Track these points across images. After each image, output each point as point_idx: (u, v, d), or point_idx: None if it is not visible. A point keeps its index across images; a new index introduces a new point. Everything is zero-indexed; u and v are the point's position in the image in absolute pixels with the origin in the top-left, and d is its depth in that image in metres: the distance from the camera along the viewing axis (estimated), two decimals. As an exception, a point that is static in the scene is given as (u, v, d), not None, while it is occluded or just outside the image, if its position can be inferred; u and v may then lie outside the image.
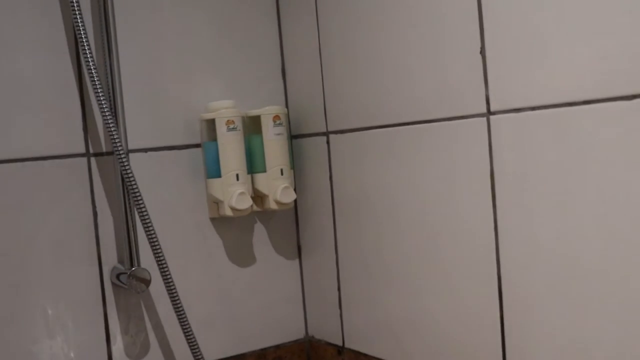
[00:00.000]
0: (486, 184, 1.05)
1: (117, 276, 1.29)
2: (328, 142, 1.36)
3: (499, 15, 1.01)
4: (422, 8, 1.13)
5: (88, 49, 1.20)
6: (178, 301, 1.26)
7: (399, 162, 1.20)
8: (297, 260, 1.49)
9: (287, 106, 1.47)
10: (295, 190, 1.41)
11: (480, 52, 1.04)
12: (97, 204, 1.29)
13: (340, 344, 1.40)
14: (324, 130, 1.36)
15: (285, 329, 1.49)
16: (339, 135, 1.33)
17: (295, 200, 1.43)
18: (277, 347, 1.47)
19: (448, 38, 1.09)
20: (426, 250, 1.17)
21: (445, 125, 1.11)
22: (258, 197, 1.39)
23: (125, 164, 1.21)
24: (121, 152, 1.21)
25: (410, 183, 1.18)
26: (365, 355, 1.33)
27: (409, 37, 1.16)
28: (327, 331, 1.44)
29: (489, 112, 1.04)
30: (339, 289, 1.38)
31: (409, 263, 1.20)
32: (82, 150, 1.28)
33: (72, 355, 1.27)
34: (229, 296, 1.42)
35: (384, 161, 1.23)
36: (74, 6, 1.20)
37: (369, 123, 1.26)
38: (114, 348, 1.30)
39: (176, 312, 1.27)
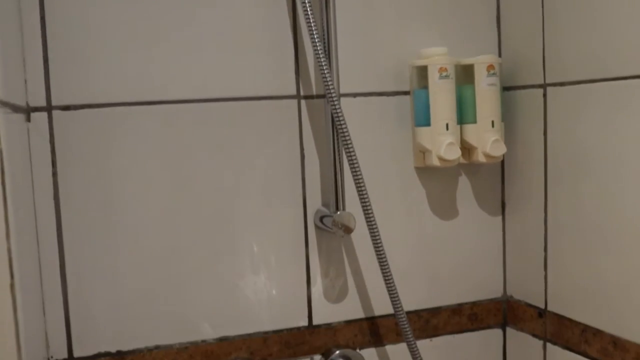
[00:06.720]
0: None
1: (321, 219, 1.29)
2: (545, 95, 1.28)
3: None
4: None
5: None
6: (381, 248, 1.25)
7: (628, 119, 1.11)
8: (500, 217, 1.44)
9: (500, 56, 1.41)
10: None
11: None
12: (304, 147, 1.30)
13: (542, 306, 1.34)
14: (541, 82, 1.29)
15: (483, 287, 1.45)
16: (558, 88, 1.25)
17: (503, 155, 1.36)
18: (474, 303, 1.44)
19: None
20: (653, 214, 1.08)
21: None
22: (465, 148, 1.35)
23: (337, 107, 1.20)
24: (333, 95, 1.20)
25: (640, 141, 1.09)
26: (570, 320, 1.27)
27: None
28: (527, 292, 1.38)
29: None
30: (545, 250, 1.31)
31: (632, 227, 1.12)
32: (294, 92, 1.29)
33: (274, 292, 1.30)
34: (428, 248, 1.40)
35: (610, 116, 1.14)
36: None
37: (595, 75, 1.17)
38: (313, 289, 1.32)
39: (379, 259, 1.25)
